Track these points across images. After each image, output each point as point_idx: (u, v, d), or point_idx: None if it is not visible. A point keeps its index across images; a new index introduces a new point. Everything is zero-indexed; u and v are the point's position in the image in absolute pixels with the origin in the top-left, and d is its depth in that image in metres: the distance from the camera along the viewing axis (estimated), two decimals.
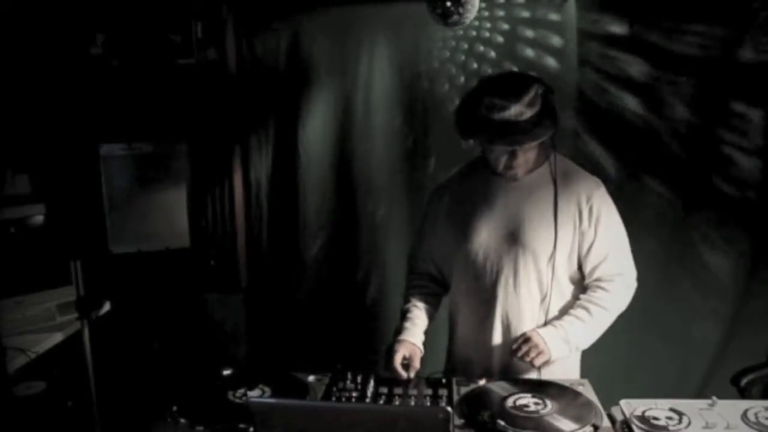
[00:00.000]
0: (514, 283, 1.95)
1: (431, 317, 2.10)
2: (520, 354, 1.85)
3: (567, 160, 2.04)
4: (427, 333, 2.05)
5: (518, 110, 1.78)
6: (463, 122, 1.89)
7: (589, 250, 1.94)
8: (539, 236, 1.92)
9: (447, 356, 2.18)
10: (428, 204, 2.17)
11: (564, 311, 1.98)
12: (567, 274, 1.97)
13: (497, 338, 1.99)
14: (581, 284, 2.01)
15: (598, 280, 1.96)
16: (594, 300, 1.93)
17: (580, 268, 1.99)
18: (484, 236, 1.97)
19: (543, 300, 1.95)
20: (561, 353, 1.90)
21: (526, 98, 1.79)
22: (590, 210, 1.92)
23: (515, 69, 2.96)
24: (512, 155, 1.88)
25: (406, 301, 2.11)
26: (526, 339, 1.87)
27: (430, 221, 2.13)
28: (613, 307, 1.95)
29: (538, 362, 1.86)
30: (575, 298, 2.00)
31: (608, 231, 1.94)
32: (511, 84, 1.86)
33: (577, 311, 1.93)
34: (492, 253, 1.96)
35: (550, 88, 1.88)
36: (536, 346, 1.85)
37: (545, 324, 1.95)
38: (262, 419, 1.39)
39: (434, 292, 2.14)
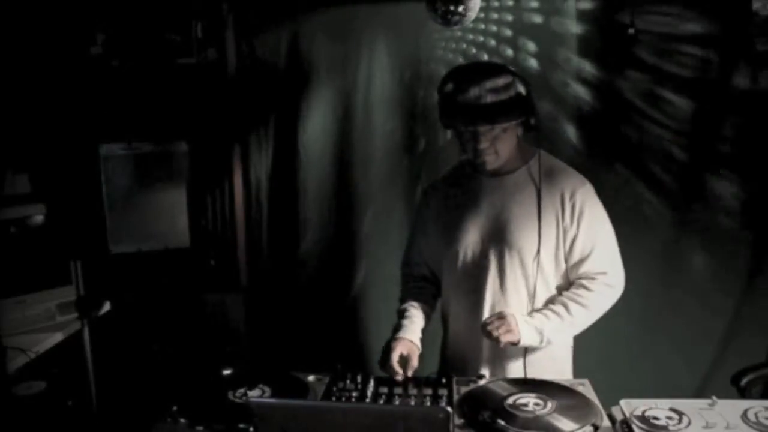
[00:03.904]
0: (501, 282, 1.96)
1: (428, 317, 2.11)
2: (489, 327, 1.86)
3: (553, 158, 2.04)
4: (424, 332, 2.05)
5: (477, 93, 1.80)
6: (439, 103, 1.92)
7: (572, 246, 1.94)
8: (524, 234, 1.93)
9: (440, 355, 2.19)
10: (417, 208, 2.18)
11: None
12: (554, 271, 1.97)
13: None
14: (569, 281, 2.01)
15: (580, 277, 1.97)
16: (574, 297, 1.93)
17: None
18: (471, 236, 1.98)
19: (530, 297, 1.96)
20: (531, 341, 1.90)
21: (488, 84, 1.81)
22: (573, 206, 1.92)
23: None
24: (476, 140, 1.88)
25: (403, 301, 2.12)
26: (500, 316, 1.89)
27: (420, 224, 2.15)
28: (593, 305, 1.94)
29: (504, 339, 1.85)
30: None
31: (591, 227, 1.93)
32: (477, 70, 1.92)
33: (556, 306, 1.94)
34: (479, 253, 1.98)
35: (525, 80, 1.89)
36: (507, 324, 1.86)
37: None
38: (262, 419, 1.39)
39: (431, 293, 2.15)
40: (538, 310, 1.95)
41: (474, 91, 1.81)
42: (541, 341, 1.92)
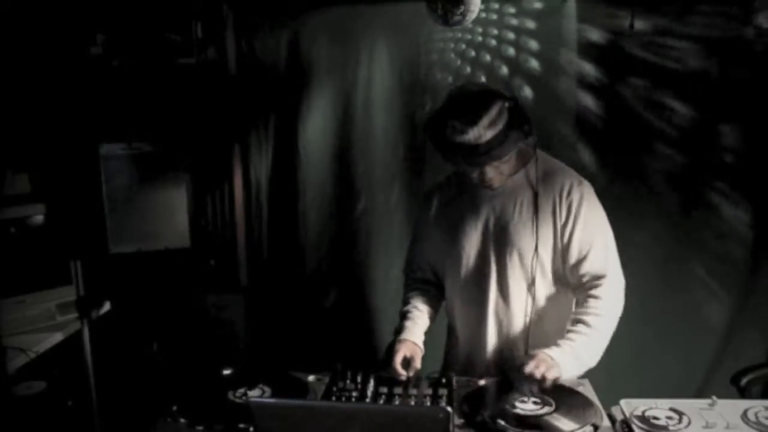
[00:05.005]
0: (502, 283, 1.97)
1: (431, 318, 2.11)
2: (528, 370, 1.75)
3: (551, 159, 2.03)
4: (426, 333, 2.06)
5: (477, 133, 1.76)
6: (432, 140, 1.87)
7: (569, 243, 1.93)
8: (523, 237, 1.93)
9: (445, 356, 2.19)
10: (419, 211, 2.18)
11: (554, 307, 1.98)
12: (555, 270, 1.97)
13: (491, 336, 2.00)
14: (570, 285, 2.00)
15: (585, 286, 1.94)
16: (587, 311, 1.90)
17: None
18: (472, 240, 1.99)
19: (532, 299, 1.96)
20: (572, 370, 1.83)
21: (486, 119, 1.76)
22: (569, 204, 1.92)
23: (505, 71, 3.04)
24: (482, 172, 1.88)
25: (406, 303, 2.12)
26: (532, 357, 1.80)
27: (422, 228, 2.15)
28: (609, 312, 1.91)
29: (549, 376, 1.76)
30: (564, 295, 1.99)
31: (588, 225, 1.92)
32: (471, 106, 1.80)
33: (575, 326, 1.89)
34: (480, 255, 1.98)
35: (515, 99, 1.85)
36: (545, 362, 1.78)
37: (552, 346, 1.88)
38: (262, 419, 1.39)
39: (434, 296, 2.15)
40: (561, 338, 1.88)
41: (474, 132, 1.76)
42: (581, 366, 1.87)
